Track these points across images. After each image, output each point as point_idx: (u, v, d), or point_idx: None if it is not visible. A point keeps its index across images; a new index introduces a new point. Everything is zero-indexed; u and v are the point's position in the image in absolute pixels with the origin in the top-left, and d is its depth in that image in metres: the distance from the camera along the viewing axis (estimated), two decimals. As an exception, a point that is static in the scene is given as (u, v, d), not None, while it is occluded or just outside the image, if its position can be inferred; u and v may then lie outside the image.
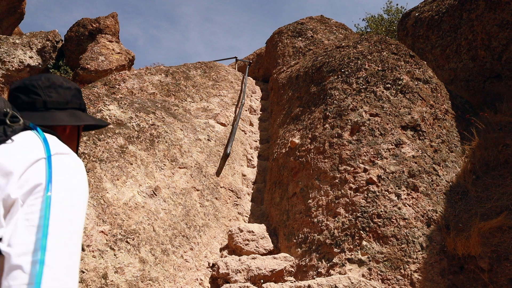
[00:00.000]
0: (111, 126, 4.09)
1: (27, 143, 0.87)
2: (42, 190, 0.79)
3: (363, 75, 4.71)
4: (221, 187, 4.84)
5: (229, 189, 4.92)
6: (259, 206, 4.98)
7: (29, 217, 0.76)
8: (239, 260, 3.54)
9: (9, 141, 0.85)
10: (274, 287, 3.02)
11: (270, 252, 3.98)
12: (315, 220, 3.71)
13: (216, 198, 4.59)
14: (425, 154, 3.80)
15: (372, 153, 3.81)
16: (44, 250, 0.71)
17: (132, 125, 4.36)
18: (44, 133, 0.92)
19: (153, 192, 3.79)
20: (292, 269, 3.51)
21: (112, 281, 2.80)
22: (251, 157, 5.97)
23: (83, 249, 2.83)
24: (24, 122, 0.92)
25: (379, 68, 4.76)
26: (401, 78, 4.57)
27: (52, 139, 0.93)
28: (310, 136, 4.52)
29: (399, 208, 3.33)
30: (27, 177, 0.80)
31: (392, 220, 3.26)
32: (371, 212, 3.37)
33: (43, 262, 0.70)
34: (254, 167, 5.79)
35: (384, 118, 4.11)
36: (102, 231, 3.03)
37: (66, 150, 0.92)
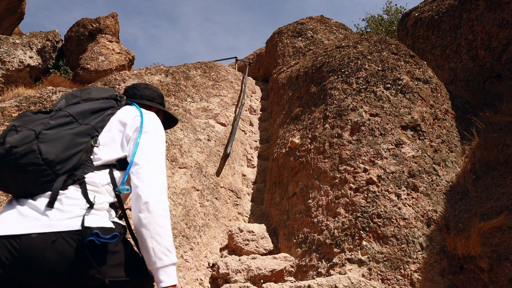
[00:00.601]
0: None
1: (130, 109, 1.54)
2: (139, 129, 1.44)
3: (363, 75, 4.71)
4: (221, 187, 4.84)
5: (229, 189, 4.92)
6: (259, 206, 4.98)
7: (133, 140, 1.42)
8: (239, 260, 3.54)
9: (121, 108, 1.52)
10: (274, 287, 3.02)
11: (270, 252, 3.98)
12: (315, 220, 3.71)
13: (216, 198, 4.59)
14: (425, 154, 3.80)
15: (372, 153, 3.81)
16: (147, 155, 1.42)
17: (132, 125, 4.37)
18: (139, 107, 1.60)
19: (153, 192, 3.79)
20: (292, 269, 3.51)
21: (112, 281, 2.81)
22: (251, 157, 5.97)
23: None
24: (126, 100, 1.62)
25: (379, 68, 4.76)
26: (401, 78, 4.57)
27: (143, 109, 1.60)
28: (310, 136, 4.52)
29: (399, 208, 3.33)
30: (132, 123, 1.46)
31: (392, 220, 3.26)
32: (371, 212, 3.37)
33: (146, 160, 1.40)
34: (254, 167, 5.79)
35: (384, 118, 4.11)
36: (102, 231, 3.04)
37: (150, 111, 1.61)
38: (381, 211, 3.34)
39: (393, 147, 3.83)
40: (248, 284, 3.19)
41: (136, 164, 1.35)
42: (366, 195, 3.51)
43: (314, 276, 3.28)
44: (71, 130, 1.27)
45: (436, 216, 3.27)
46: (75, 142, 1.25)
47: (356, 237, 3.29)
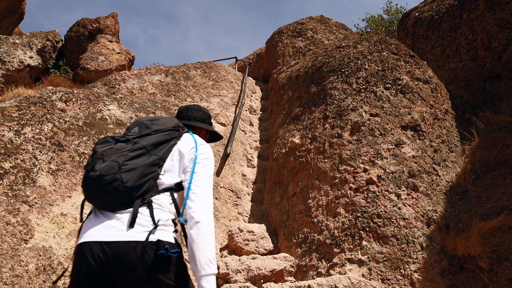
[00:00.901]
0: (111, 126, 4.09)
1: (188, 140, 1.81)
2: (193, 159, 1.72)
3: (363, 75, 4.71)
4: (221, 187, 4.84)
5: (229, 189, 4.92)
6: (259, 206, 4.98)
7: (189, 170, 1.70)
8: (239, 260, 3.54)
9: (181, 138, 1.80)
10: (274, 287, 3.02)
11: (270, 252, 3.98)
12: (315, 220, 3.71)
13: (216, 198, 4.59)
14: (425, 154, 3.80)
15: (372, 153, 3.81)
16: (194, 180, 1.68)
17: (132, 125, 4.36)
18: (194, 135, 1.88)
19: (153, 192, 3.79)
20: (292, 269, 3.51)
21: (112, 281, 2.81)
22: (251, 157, 5.97)
23: None
24: (186, 130, 1.90)
25: (379, 68, 4.76)
26: (401, 78, 4.57)
27: (197, 137, 1.88)
28: (310, 136, 4.52)
29: (399, 208, 3.33)
30: (188, 156, 1.74)
31: (392, 220, 3.26)
32: (371, 212, 3.37)
33: (199, 186, 1.66)
34: (254, 167, 5.79)
35: (384, 118, 4.11)
36: (102, 231, 3.04)
37: (204, 142, 1.89)
38: (381, 211, 3.34)
39: (393, 147, 3.83)
40: (248, 284, 3.20)
41: (191, 191, 1.64)
42: (366, 195, 3.51)
43: (314, 276, 3.28)
44: (145, 161, 1.63)
45: (436, 216, 3.27)
46: (146, 172, 1.62)
47: (356, 237, 3.29)
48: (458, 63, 6.00)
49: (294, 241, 3.81)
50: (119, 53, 10.74)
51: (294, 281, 3.18)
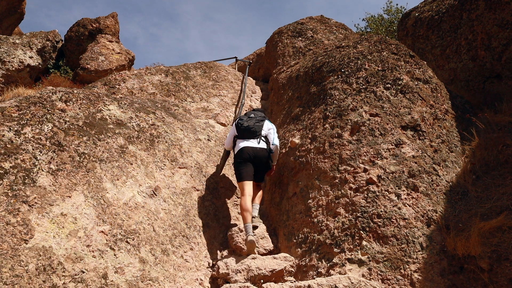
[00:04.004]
0: (111, 126, 4.09)
1: (268, 122, 4.72)
2: (273, 129, 4.67)
3: (363, 75, 4.71)
4: (221, 187, 4.84)
5: (229, 189, 4.92)
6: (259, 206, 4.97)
7: (271, 132, 4.64)
8: (239, 260, 3.54)
9: (266, 120, 4.72)
10: (274, 287, 3.02)
11: (270, 252, 3.98)
12: (315, 220, 3.71)
13: (216, 198, 4.59)
14: (425, 154, 3.80)
15: (372, 153, 3.81)
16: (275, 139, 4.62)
17: (132, 125, 4.36)
18: (269, 120, 4.86)
19: (153, 192, 3.79)
20: (292, 269, 3.51)
21: (112, 281, 2.81)
22: (251, 157, 5.98)
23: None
24: (266, 118, 4.83)
25: (379, 68, 4.76)
26: (401, 78, 4.57)
27: (270, 121, 4.85)
28: (310, 136, 4.52)
29: (399, 208, 3.33)
30: (270, 127, 4.67)
31: (392, 220, 3.26)
32: (371, 212, 3.37)
33: (276, 137, 4.64)
34: (254, 167, 5.79)
35: (384, 118, 4.11)
36: (102, 231, 3.04)
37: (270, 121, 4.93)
38: (381, 211, 3.34)
39: (393, 147, 3.83)
40: (248, 284, 3.20)
41: (274, 139, 4.53)
42: (366, 195, 3.51)
43: (314, 276, 3.28)
44: (261, 124, 4.57)
45: (436, 216, 3.27)
46: (262, 128, 4.54)
47: (356, 237, 3.29)
48: (458, 63, 6.00)
49: (294, 241, 3.81)
50: (119, 53, 10.74)
51: (294, 281, 3.18)
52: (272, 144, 4.44)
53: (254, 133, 4.39)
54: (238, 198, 4.92)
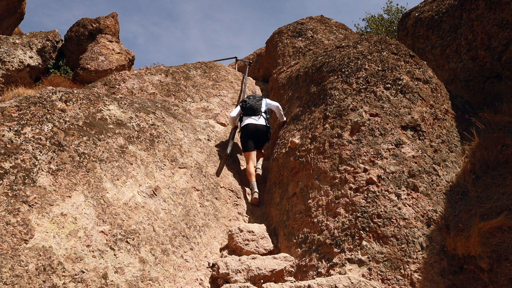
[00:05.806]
0: (111, 126, 4.09)
1: (265, 100, 5.96)
2: (270, 103, 5.95)
3: (363, 75, 4.71)
4: (221, 187, 4.84)
5: (229, 189, 4.92)
6: (259, 206, 4.97)
7: (271, 105, 5.93)
8: (239, 260, 3.54)
9: (264, 99, 5.97)
10: (274, 287, 3.02)
11: (270, 252, 3.98)
12: (315, 220, 3.71)
13: (216, 198, 4.59)
14: (425, 154, 3.80)
15: (372, 153, 3.81)
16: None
17: (132, 125, 4.36)
18: (266, 98, 6.15)
19: (153, 192, 3.79)
20: (292, 269, 3.51)
21: (112, 281, 2.81)
22: (251, 157, 5.98)
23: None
24: (263, 97, 6.12)
25: (379, 68, 4.76)
26: (401, 78, 4.57)
27: (267, 99, 6.19)
28: (310, 136, 4.52)
29: (399, 208, 3.33)
30: (269, 102, 5.93)
31: (392, 220, 3.26)
32: (371, 212, 3.37)
33: (279, 107, 6.02)
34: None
35: (384, 118, 4.11)
36: (102, 231, 3.03)
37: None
38: (381, 211, 3.34)
39: (393, 147, 3.83)
40: (248, 284, 3.19)
41: (275, 107, 5.86)
42: (366, 195, 3.51)
43: (314, 276, 3.28)
44: (260, 102, 5.78)
45: (436, 216, 3.27)
46: (262, 105, 5.76)
47: (356, 237, 3.29)
48: (458, 63, 6.00)
49: (294, 241, 3.81)
50: (119, 53, 10.74)
51: (294, 281, 3.18)
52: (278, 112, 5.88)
53: (256, 110, 5.63)
54: (238, 198, 4.92)
